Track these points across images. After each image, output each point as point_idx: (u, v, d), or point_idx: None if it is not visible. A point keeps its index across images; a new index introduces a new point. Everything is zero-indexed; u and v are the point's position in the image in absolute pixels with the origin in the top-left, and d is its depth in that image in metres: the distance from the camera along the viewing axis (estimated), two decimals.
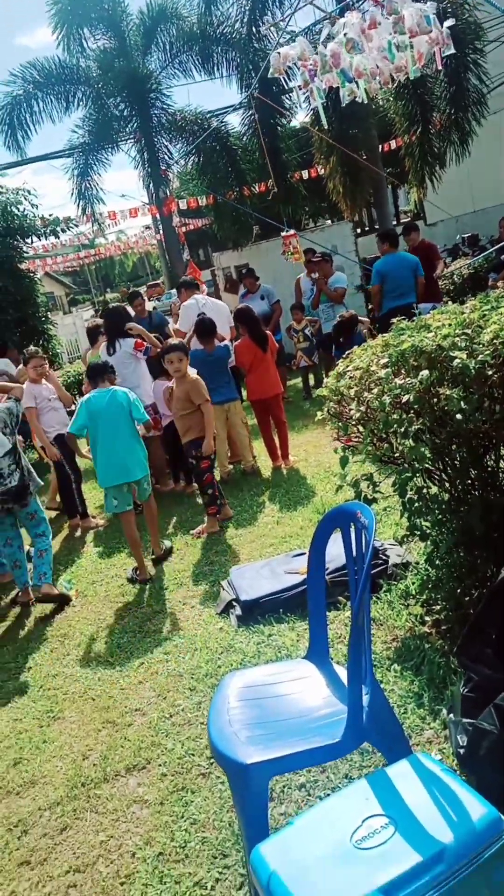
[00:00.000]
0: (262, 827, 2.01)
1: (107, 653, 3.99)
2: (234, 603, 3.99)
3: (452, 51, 5.87)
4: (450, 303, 3.57)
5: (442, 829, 1.69)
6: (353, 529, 2.31)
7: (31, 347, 6.86)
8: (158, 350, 6.15)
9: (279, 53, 5.88)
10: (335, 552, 3.35)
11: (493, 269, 8.48)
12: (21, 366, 7.58)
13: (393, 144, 13.90)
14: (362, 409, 3.24)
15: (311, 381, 9.53)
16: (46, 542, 4.87)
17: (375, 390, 3.12)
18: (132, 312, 7.27)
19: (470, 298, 3.51)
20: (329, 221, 23.75)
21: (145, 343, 6.41)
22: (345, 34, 5.42)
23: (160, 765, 2.92)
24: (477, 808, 1.73)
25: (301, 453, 6.77)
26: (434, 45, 5.26)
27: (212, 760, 2.85)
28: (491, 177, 16.40)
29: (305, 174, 14.32)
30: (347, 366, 3.48)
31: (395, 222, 15.57)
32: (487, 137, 11.93)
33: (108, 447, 4.83)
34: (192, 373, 5.34)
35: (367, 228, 22.03)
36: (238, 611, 3.90)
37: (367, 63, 5.59)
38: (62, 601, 4.80)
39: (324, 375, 9.32)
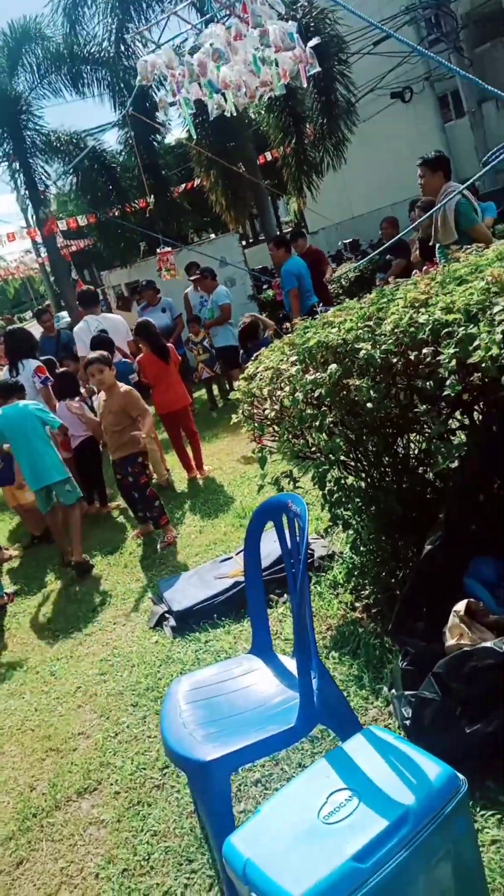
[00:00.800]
0: (228, 822, 2.03)
1: (40, 682, 3.89)
2: (167, 615, 3.98)
3: (318, 69, 6.06)
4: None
5: (403, 792, 1.77)
6: (285, 521, 2.37)
7: None
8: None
9: (146, 61, 5.92)
10: (264, 551, 3.41)
11: (379, 269, 8.86)
12: None
13: (269, 156, 14.25)
14: (276, 407, 3.32)
15: (216, 392, 9.61)
16: None
17: (287, 388, 3.22)
18: (40, 329, 7.19)
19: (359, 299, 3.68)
20: (213, 235, 24.07)
21: (45, 371, 6.30)
22: (210, 44, 5.53)
23: (112, 783, 2.88)
24: (433, 768, 1.82)
25: (215, 462, 6.82)
26: (298, 62, 5.45)
27: (165, 772, 2.84)
28: (365, 183, 17.13)
29: (187, 188, 14.47)
30: (257, 367, 3.56)
31: (278, 232, 15.94)
32: (359, 145, 12.46)
33: (25, 456, 5.20)
34: (121, 384, 5.29)
35: (251, 240, 22.48)
36: (172, 622, 3.90)
37: (233, 75, 5.71)
38: None
39: (227, 386, 9.45)
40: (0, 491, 6.24)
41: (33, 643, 4.40)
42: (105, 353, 5.39)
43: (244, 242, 14.14)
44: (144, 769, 2.90)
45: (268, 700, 2.25)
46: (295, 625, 2.39)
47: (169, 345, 6.64)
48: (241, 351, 7.59)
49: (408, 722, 2.46)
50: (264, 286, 13.01)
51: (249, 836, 1.78)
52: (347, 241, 16.49)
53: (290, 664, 2.44)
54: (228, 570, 4.11)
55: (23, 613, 4.91)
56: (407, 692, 2.47)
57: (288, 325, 4.07)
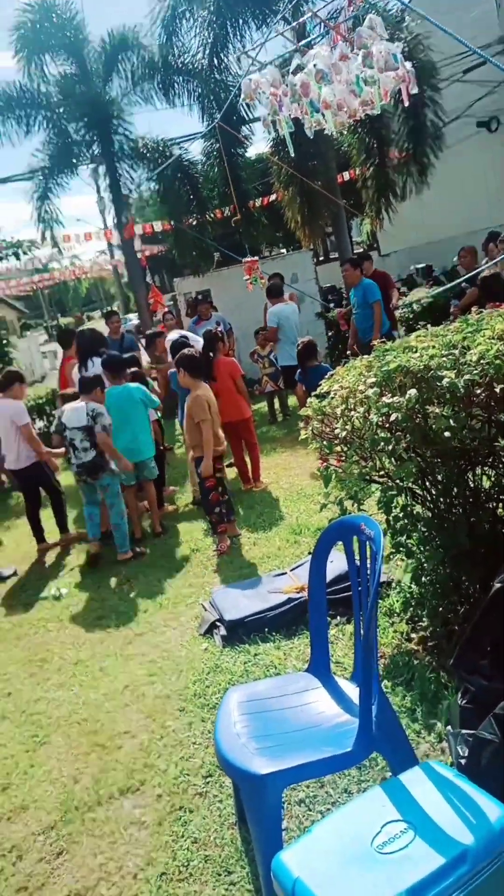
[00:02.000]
0: (277, 837, 2.03)
1: (90, 677, 3.94)
2: (218, 623, 3.99)
3: (416, 90, 6.09)
4: (402, 332, 3.69)
5: (461, 831, 1.74)
6: (355, 543, 2.37)
7: (12, 368, 6.94)
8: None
9: (250, 80, 6.03)
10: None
11: (455, 297, 8.77)
12: None
13: (346, 176, 14.27)
14: (348, 427, 3.32)
15: (276, 406, 9.63)
16: (115, 515, 5.67)
17: (361, 409, 3.21)
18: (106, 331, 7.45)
19: (423, 327, 3.65)
20: (284, 250, 24.19)
21: None
22: (314, 65, 5.60)
23: (155, 786, 2.90)
24: (494, 810, 1.79)
25: (271, 476, 6.83)
26: (401, 81, 5.48)
27: (208, 780, 2.85)
28: (442, 210, 16.96)
29: (263, 203, 14.60)
30: (332, 386, 3.56)
31: (352, 252, 15.93)
32: (440, 171, 12.38)
33: (127, 432, 5.84)
34: (203, 387, 5.43)
35: (321, 258, 22.52)
36: (222, 631, 3.91)
37: (334, 96, 5.77)
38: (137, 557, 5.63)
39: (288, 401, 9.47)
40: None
41: (84, 637, 4.47)
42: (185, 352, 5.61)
43: (315, 260, 14.19)
44: (188, 775, 2.91)
45: (325, 721, 2.24)
46: (360, 649, 2.38)
47: (231, 358, 6.72)
48: (299, 370, 7.58)
49: (463, 761, 2.41)
50: (331, 305, 13.01)
51: (300, 855, 1.77)
52: (420, 265, 16.36)
53: (348, 687, 2.42)
54: (282, 585, 4.11)
55: (76, 606, 4.99)
56: (464, 731, 2.42)
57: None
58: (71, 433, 5.60)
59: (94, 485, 5.67)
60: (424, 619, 3.48)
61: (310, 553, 4.66)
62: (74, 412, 5.62)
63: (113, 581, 5.29)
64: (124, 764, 3.08)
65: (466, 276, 7.43)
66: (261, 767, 2.00)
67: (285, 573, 4.31)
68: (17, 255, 12.50)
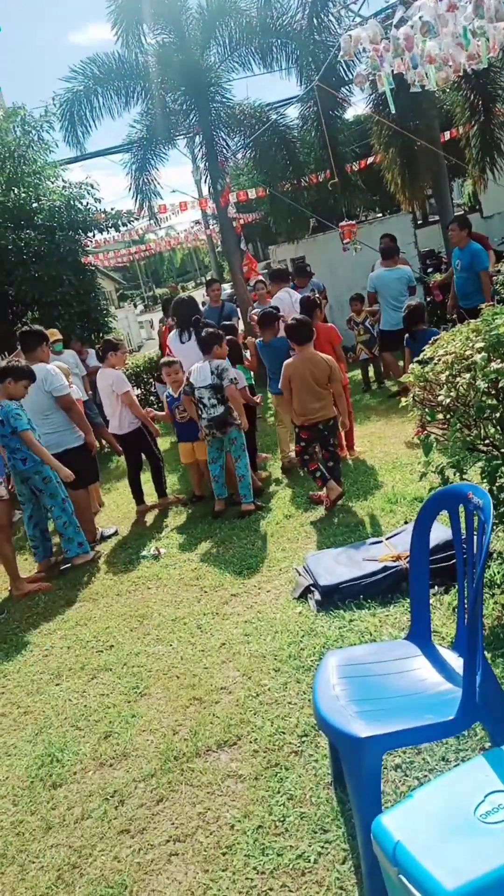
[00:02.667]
0: (375, 800, 2.04)
1: (187, 633, 4.06)
2: (313, 588, 4.01)
3: None
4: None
5: None
6: (461, 511, 2.31)
7: (114, 337, 7.13)
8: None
9: (350, 36, 5.83)
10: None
11: None
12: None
13: (446, 136, 13.67)
14: (452, 395, 3.22)
15: (371, 374, 9.47)
16: (242, 467, 5.81)
17: (468, 375, 3.10)
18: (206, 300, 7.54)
19: None
20: (380, 214, 23.56)
21: None
22: (419, 17, 5.35)
23: (251, 741, 2.97)
24: None
25: (366, 444, 6.75)
26: None
27: (304, 739, 2.89)
28: None
29: (360, 166, 14.23)
30: (435, 351, 3.46)
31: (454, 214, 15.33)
32: None
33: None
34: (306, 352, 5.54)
35: (420, 222, 21.79)
36: (317, 596, 3.92)
37: (440, 49, 5.51)
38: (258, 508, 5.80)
39: (381, 369, 9.30)
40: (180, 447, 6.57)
41: (182, 596, 4.60)
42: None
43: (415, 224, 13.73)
44: (283, 734, 2.95)
45: (426, 689, 2.22)
46: (464, 618, 2.34)
47: (329, 324, 6.67)
48: (406, 335, 7.38)
49: None
50: (429, 270, 12.60)
51: (401, 820, 1.77)
52: None
53: (449, 656, 2.39)
54: (378, 553, 4.07)
55: (174, 566, 5.13)
56: None
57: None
58: (199, 392, 5.77)
59: (223, 439, 5.81)
60: None
61: (406, 522, 4.60)
62: (199, 372, 5.79)
63: (208, 542, 5.40)
64: (221, 718, 3.17)
65: None
66: (361, 731, 2.01)
67: (381, 541, 4.26)
68: (116, 227, 12.70)
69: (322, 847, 2.35)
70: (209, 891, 2.31)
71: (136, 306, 45.53)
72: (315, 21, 11.92)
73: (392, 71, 5.63)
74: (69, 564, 5.68)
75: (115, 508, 7.13)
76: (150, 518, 6.51)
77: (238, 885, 2.29)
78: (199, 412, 5.85)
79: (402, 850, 1.68)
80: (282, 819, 2.51)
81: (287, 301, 7.33)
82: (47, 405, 5.75)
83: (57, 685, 3.90)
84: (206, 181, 14.26)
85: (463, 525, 2.36)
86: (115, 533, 6.25)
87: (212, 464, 5.98)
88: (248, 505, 5.79)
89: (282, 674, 3.38)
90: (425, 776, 2.51)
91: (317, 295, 7.53)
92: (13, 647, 4.57)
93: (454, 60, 5.47)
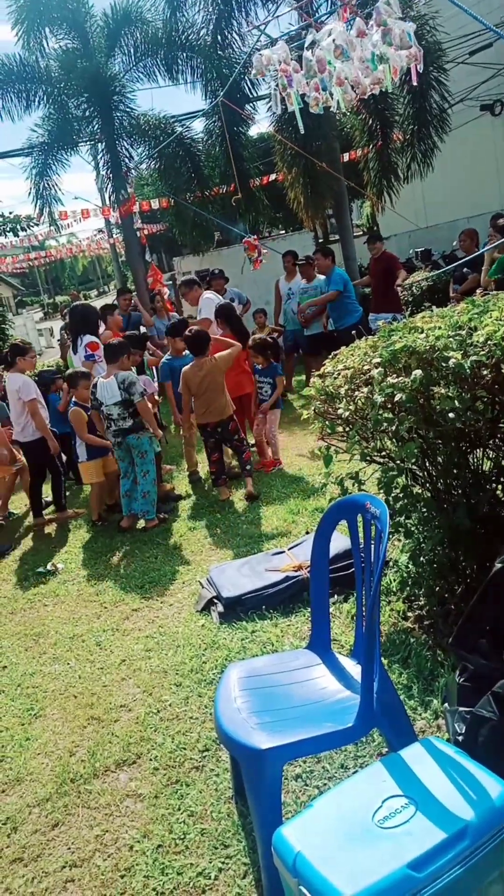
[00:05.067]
0: (276, 812, 2.04)
1: (86, 651, 3.94)
2: (216, 600, 3.99)
3: (421, 69, 5.99)
4: (407, 314, 3.67)
5: (462, 807, 1.74)
6: (359, 521, 2.36)
7: (22, 340, 6.90)
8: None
9: (261, 55, 5.92)
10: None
11: (455, 281, 8.73)
12: None
13: (346, 157, 14.13)
14: (351, 408, 3.30)
15: None
16: (147, 483, 5.67)
17: (366, 389, 3.19)
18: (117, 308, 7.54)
19: (428, 309, 3.66)
20: (283, 231, 23.99)
21: (97, 347, 6.43)
22: (333, 40, 5.49)
23: (151, 759, 2.91)
24: (494, 786, 1.79)
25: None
26: (412, 60, 5.40)
27: (205, 754, 2.86)
28: (442, 193, 16.86)
29: (263, 182, 14.46)
30: (336, 366, 3.54)
31: (353, 233, 15.82)
32: (441, 154, 12.27)
33: None
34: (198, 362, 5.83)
35: (321, 240, 22.35)
36: (220, 608, 3.91)
37: (350, 72, 5.67)
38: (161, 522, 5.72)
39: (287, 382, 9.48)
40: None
41: (81, 612, 4.47)
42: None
43: (316, 242, 14.09)
44: (184, 749, 2.91)
45: (325, 697, 2.24)
46: (361, 626, 2.38)
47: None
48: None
49: (460, 738, 2.42)
50: None
51: (301, 830, 1.78)
52: (420, 249, 16.25)
53: (348, 664, 2.43)
54: (280, 563, 4.11)
55: (73, 582, 4.99)
56: (462, 708, 2.43)
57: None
58: (108, 409, 5.57)
59: (132, 453, 5.65)
60: (421, 598, 3.48)
61: (307, 532, 4.67)
62: (106, 388, 5.57)
63: (109, 557, 5.28)
64: (120, 737, 3.09)
65: (465, 259, 7.39)
66: (262, 742, 2.01)
67: (283, 552, 4.30)
68: (14, 232, 12.36)
69: (223, 863, 2.33)
70: None
71: (44, 314, 44.25)
72: (219, 37, 12.04)
73: (299, 91, 5.76)
74: None
75: (13, 521, 6.87)
76: (48, 531, 6.31)
77: None
78: (108, 425, 5.70)
79: (301, 860, 1.69)
80: (182, 837, 2.47)
81: (214, 302, 7.20)
82: None
83: None
84: (109, 189, 14.05)
85: (361, 534, 2.42)
86: (10, 548, 6.01)
87: (123, 478, 5.82)
88: (150, 521, 5.70)
89: (183, 688, 3.33)
90: (325, 784, 2.53)
91: (238, 305, 7.62)
92: None
93: (360, 84, 5.65)
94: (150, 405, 5.79)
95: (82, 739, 3.16)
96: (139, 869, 2.38)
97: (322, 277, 8.93)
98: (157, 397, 6.78)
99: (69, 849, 2.56)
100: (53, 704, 3.49)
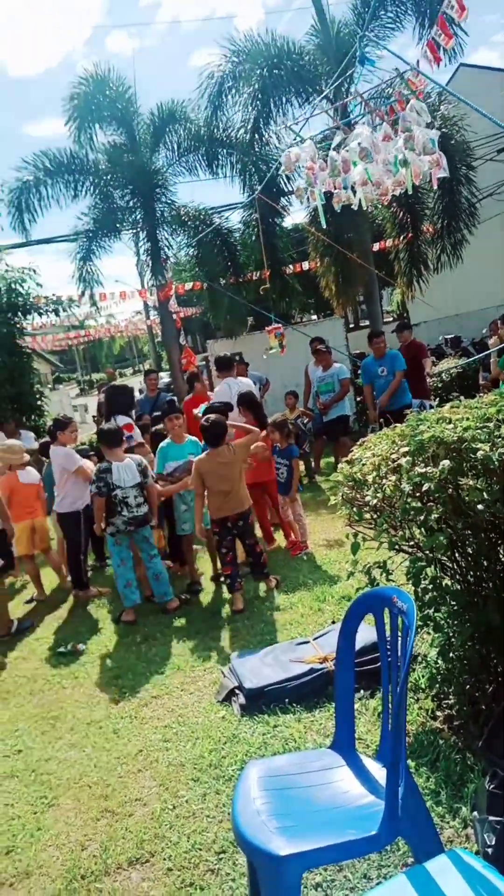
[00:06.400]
0: None
1: (102, 738, 3.84)
2: (237, 691, 3.89)
3: (446, 174, 6.20)
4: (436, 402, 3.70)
5: None
6: (386, 615, 2.31)
7: (63, 415, 7.07)
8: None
9: (290, 153, 6.27)
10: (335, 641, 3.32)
11: (484, 369, 8.83)
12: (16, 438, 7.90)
13: (376, 247, 14.60)
14: (379, 496, 3.29)
15: (302, 470, 9.61)
16: (158, 564, 5.68)
17: (394, 478, 3.19)
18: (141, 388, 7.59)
19: (457, 398, 3.68)
20: (315, 316, 24.58)
21: (132, 428, 6.55)
22: (358, 143, 5.79)
23: (165, 858, 2.78)
24: None
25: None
26: (433, 165, 5.65)
27: (221, 856, 2.73)
28: (472, 282, 17.23)
29: (296, 269, 14.96)
30: (364, 453, 3.55)
31: (382, 321, 16.16)
32: (471, 244, 12.63)
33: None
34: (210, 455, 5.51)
35: (352, 326, 22.84)
36: (241, 699, 3.81)
37: (374, 173, 5.95)
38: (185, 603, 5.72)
39: (312, 463, 9.50)
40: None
41: (99, 696, 4.38)
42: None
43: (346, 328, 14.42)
44: (200, 849, 2.79)
45: (349, 801, 2.14)
46: (387, 725, 2.30)
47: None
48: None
49: (490, 849, 2.29)
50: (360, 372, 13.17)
51: None
52: (449, 336, 16.51)
53: (373, 766, 2.33)
54: (305, 654, 4.01)
55: (92, 664, 4.91)
56: (492, 817, 2.31)
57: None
58: (124, 492, 5.53)
59: (136, 536, 5.64)
60: (451, 696, 3.36)
61: (333, 622, 4.57)
62: (125, 470, 5.57)
63: (130, 640, 5.21)
64: (134, 833, 2.97)
65: (498, 348, 7.47)
66: (281, 848, 1.91)
67: (308, 642, 4.21)
68: (56, 312, 12.87)
69: None
70: None
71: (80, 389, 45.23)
72: (257, 135, 12.72)
73: (323, 189, 6.06)
74: None
75: (27, 594, 6.84)
76: (66, 612, 6.26)
77: None
78: (119, 510, 5.54)
79: None
80: None
81: (227, 393, 7.37)
82: None
83: None
84: (147, 274, 14.66)
85: (388, 628, 2.36)
86: (31, 626, 5.97)
87: (121, 566, 5.64)
88: (171, 602, 5.64)
89: (201, 784, 3.22)
90: (347, 895, 2.39)
91: (258, 386, 7.73)
92: None
93: (383, 184, 5.92)
94: (156, 491, 5.80)
95: (95, 833, 3.04)
96: None
97: (338, 366, 9.11)
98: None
99: None
100: (67, 794, 3.38)
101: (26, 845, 3.04)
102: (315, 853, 1.92)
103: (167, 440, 6.22)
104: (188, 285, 15.40)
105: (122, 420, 6.54)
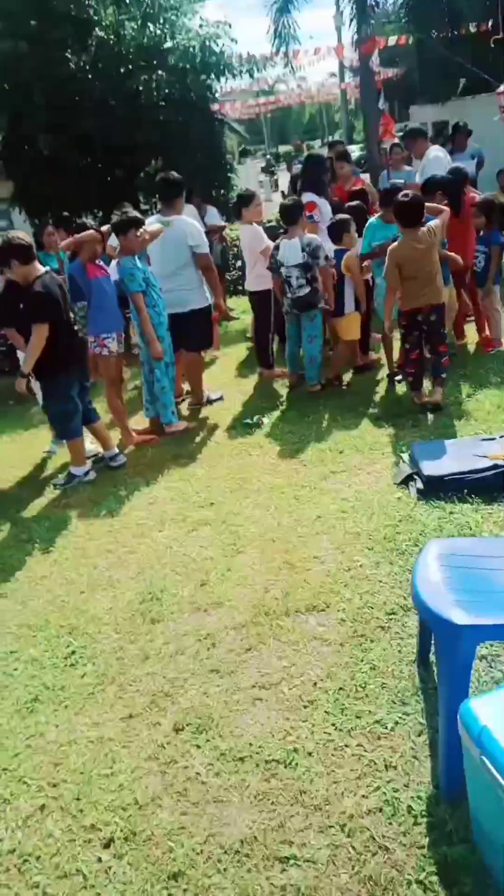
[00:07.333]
0: (464, 687, 2.09)
1: (284, 502, 4.15)
2: (416, 476, 3.98)
3: None
4: None
5: None
6: None
7: (246, 189, 6.89)
8: None
9: None
10: None
11: None
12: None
13: None
14: None
15: None
16: (313, 348, 5.82)
17: None
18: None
19: None
20: None
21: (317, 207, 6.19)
22: None
23: (339, 610, 3.08)
24: None
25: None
26: None
27: (391, 617, 2.97)
28: None
29: None
30: None
31: None
32: None
33: None
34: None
35: None
36: (419, 484, 3.90)
37: None
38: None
39: None
40: None
41: (282, 466, 4.67)
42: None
43: None
44: (371, 608, 3.04)
45: None
46: None
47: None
48: None
49: None
50: None
51: (490, 707, 1.81)
52: None
53: None
54: (490, 450, 3.96)
55: (276, 437, 5.18)
56: None
57: None
58: (287, 271, 5.55)
59: (302, 317, 5.74)
60: None
61: None
62: (288, 248, 5.55)
63: (312, 419, 5.37)
64: (312, 585, 3.29)
65: None
66: (460, 618, 2.03)
67: (494, 438, 4.14)
68: (251, 74, 11.91)
69: (400, 717, 2.46)
70: (288, 737, 2.48)
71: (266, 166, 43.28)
72: None
73: None
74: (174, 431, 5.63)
75: (221, 374, 7.16)
76: (251, 389, 6.51)
77: (316, 737, 2.45)
78: (285, 290, 5.66)
79: (487, 734, 1.73)
80: (363, 685, 2.63)
81: (443, 162, 6.66)
82: (184, 260, 5.67)
83: (160, 531, 4.11)
84: (349, 27, 13.04)
85: None
86: (221, 398, 6.29)
87: (289, 340, 6.00)
88: (313, 386, 5.86)
89: (375, 553, 3.43)
90: None
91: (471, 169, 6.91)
92: (123, 492, 4.76)
93: None
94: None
95: (277, 580, 3.40)
96: (321, 704, 2.59)
97: None
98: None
99: (259, 672, 2.83)
100: (253, 544, 3.76)
101: (218, 581, 3.48)
102: (492, 628, 2.02)
103: (375, 217, 5.91)
104: (391, 40, 13.59)
105: (307, 197, 6.21)
